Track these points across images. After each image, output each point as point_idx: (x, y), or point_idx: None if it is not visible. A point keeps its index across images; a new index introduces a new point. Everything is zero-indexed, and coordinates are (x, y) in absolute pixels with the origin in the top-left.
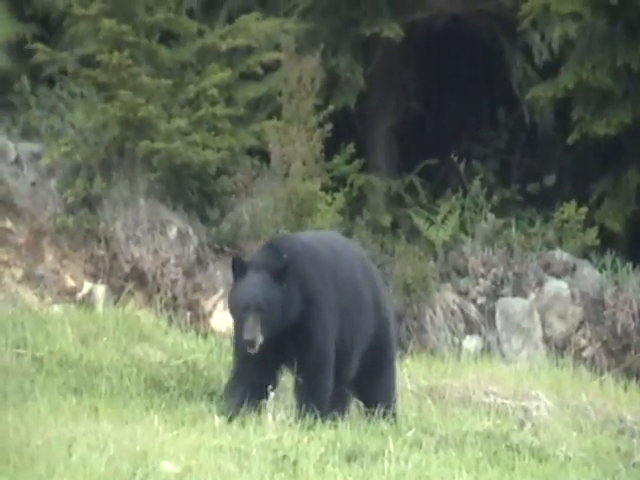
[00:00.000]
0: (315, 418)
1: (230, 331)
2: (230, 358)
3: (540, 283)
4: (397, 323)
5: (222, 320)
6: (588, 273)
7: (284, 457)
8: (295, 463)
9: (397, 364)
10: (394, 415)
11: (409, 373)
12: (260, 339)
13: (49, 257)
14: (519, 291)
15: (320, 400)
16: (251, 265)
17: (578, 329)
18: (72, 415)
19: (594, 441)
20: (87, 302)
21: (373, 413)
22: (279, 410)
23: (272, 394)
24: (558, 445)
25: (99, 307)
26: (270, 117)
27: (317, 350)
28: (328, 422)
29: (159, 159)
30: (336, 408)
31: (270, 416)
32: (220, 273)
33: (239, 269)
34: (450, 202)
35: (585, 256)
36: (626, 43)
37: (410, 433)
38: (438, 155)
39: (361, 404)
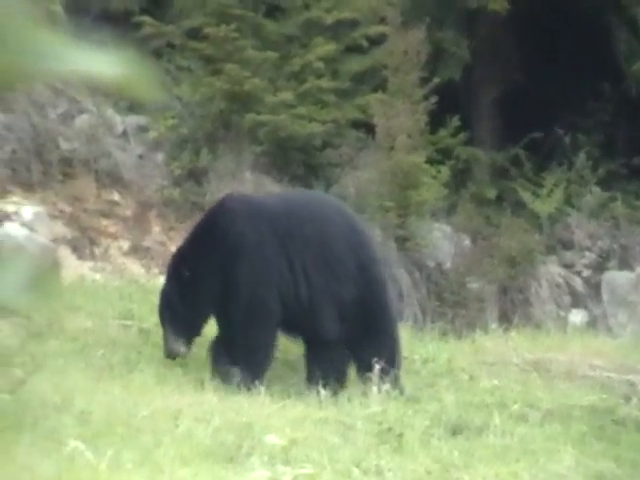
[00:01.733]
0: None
1: None
2: None
3: None
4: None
5: None
6: None
7: (389, 430)
8: (400, 436)
9: (397, 327)
10: (395, 379)
11: (514, 346)
12: (182, 349)
13: (156, 229)
14: (625, 264)
15: (250, 358)
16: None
17: None
18: (178, 387)
19: None
20: None
21: (369, 377)
22: (384, 382)
23: (377, 366)
24: None
25: None
26: (375, 90)
27: (243, 303)
28: (429, 394)
29: (265, 132)
30: (333, 371)
31: (375, 388)
32: None
33: None
34: (555, 175)
35: None
36: None
37: (515, 407)
38: (543, 128)
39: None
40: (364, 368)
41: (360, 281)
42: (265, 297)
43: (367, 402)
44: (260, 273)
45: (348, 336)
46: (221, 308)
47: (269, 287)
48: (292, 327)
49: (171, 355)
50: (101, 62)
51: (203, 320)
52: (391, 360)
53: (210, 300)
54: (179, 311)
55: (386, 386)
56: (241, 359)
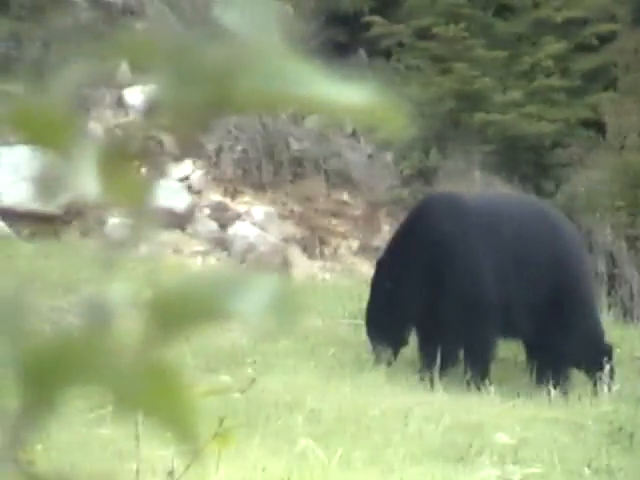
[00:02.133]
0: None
1: None
2: None
3: None
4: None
5: None
6: None
7: (620, 429)
8: (631, 435)
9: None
10: (555, 386)
11: None
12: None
13: (385, 229)
14: None
15: (477, 357)
16: None
17: None
18: (408, 386)
19: None
20: None
21: (599, 376)
22: (614, 382)
23: (608, 366)
24: None
25: None
26: (605, 89)
27: (463, 304)
28: None
29: (494, 131)
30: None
31: (606, 388)
32: None
33: None
34: None
35: None
36: None
37: None
38: None
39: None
40: (554, 366)
41: (554, 279)
42: (484, 294)
43: (597, 402)
44: (474, 271)
45: (540, 335)
46: (427, 313)
47: (486, 284)
48: None
49: (379, 364)
50: (350, 92)
51: (410, 329)
52: (588, 358)
53: (416, 307)
54: (385, 325)
55: (616, 386)
56: (467, 359)
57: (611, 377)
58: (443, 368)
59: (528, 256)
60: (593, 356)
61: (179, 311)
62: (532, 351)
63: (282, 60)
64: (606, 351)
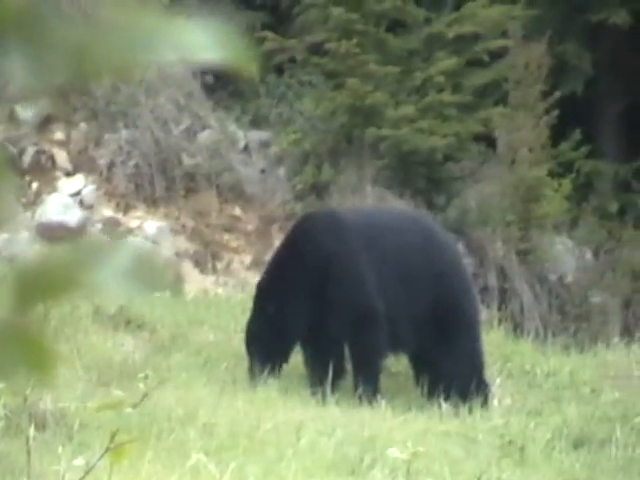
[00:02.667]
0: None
1: None
2: None
3: None
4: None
5: None
6: None
7: (511, 443)
8: (522, 449)
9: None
10: (462, 396)
11: (636, 359)
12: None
13: (278, 243)
14: None
15: (366, 368)
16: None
17: None
18: (301, 400)
19: None
20: None
21: (437, 394)
22: (505, 396)
23: (498, 380)
24: None
25: None
26: (497, 104)
27: (350, 317)
28: (552, 408)
29: (386, 146)
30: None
31: (496, 401)
32: None
33: None
34: None
35: None
36: None
37: (638, 420)
38: None
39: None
40: (435, 380)
41: (435, 291)
42: (371, 306)
43: (489, 415)
44: (359, 284)
45: (421, 347)
46: (312, 332)
47: (372, 296)
48: None
49: (254, 384)
50: (205, 44)
51: (292, 348)
52: (464, 371)
53: (300, 327)
54: (267, 344)
55: (506, 399)
56: (357, 373)
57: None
58: (332, 382)
59: (409, 270)
60: (468, 374)
61: (40, 281)
62: (416, 365)
63: (143, 24)
64: (481, 371)
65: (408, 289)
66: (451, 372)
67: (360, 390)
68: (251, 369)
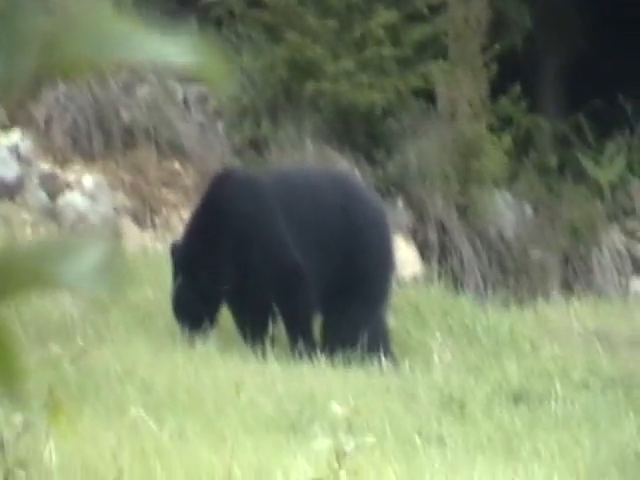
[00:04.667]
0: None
1: None
2: None
3: None
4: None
5: None
6: None
7: (450, 398)
8: (462, 404)
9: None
10: (331, 351)
11: (576, 314)
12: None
13: None
14: None
15: (298, 322)
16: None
17: None
18: (241, 356)
19: None
20: None
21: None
22: (445, 351)
23: (438, 335)
24: None
25: None
26: (436, 58)
27: (276, 275)
28: (492, 363)
29: (325, 100)
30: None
31: (436, 357)
32: (387, 214)
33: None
34: (617, 142)
35: None
36: None
37: (577, 374)
38: (605, 95)
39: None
40: (332, 335)
41: (348, 251)
42: (294, 261)
43: (429, 371)
44: (279, 241)
45: (326, 302)
46: (239, 293)
47: (293, 252)
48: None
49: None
50: (174, 49)
51: (219, 309)
52: (355, 334)
53: (226, 288)
54: (194, 308)
55: (446, 355)
56: (289, 327)
57: (391, 359)
58: (260, 338)
59: (325, 229)
60: (374, 332)
61: (6, 277)
62: (326, 320)
63: (111, 25)
64: (385, 333)
65: (323, 248)
66: (342, 333)
67: (297, 346)
68: (184, 330)
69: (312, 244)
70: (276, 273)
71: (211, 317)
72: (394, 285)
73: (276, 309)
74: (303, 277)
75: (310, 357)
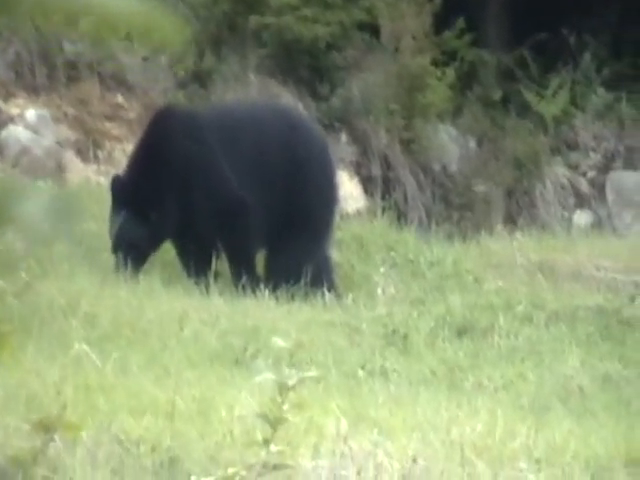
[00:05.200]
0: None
1: None
2: None
3: None
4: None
5: None
6: None
7: (394, 331)
8: (405, 337)
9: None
10: (276, 286)
11: (519, 248)
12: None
13: None
14: (630, 165)
15: (243, 255)
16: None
17: None
18: (184, 290)
19: None
20: None
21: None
22: (389, 285)
23: (382, 269)
24: None
25: None
26: None
27: (221, 209)
28: (435, 297)
29: (269, 34)
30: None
31: (380, 290)
32: (330, 148)
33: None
34: (560, 76)
35: None
36: None
37: (521, 308)
38: (549, 28)
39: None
40: (276, 270)
41: (291, 184)
42: (237, 196)
43: (372, 304)
44: (223, 177)
45: (270, 237)
46: (182, 229)
47: (235, 188)
48: None
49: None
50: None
51: (161, 245)
52: (297, 268)
53: (170, 225)
54: (136, 242)
55: (390, 288)
56: (234, 262)
57: (334, 291)
58: (204, 274)
59: (267, 163)
60: (318, 267)
61: None
62: (270, 254)
63: None
64: (329, 267)
65: (266, 183)
66: (286, 268)
67: (241, 280)
68: (117, 264)
69: (255, 179)
70: (219, 209)
71: (152, 252)
72: (338, 219)
73: (219, 244)
74: (246, 212)
75: (254, 292)
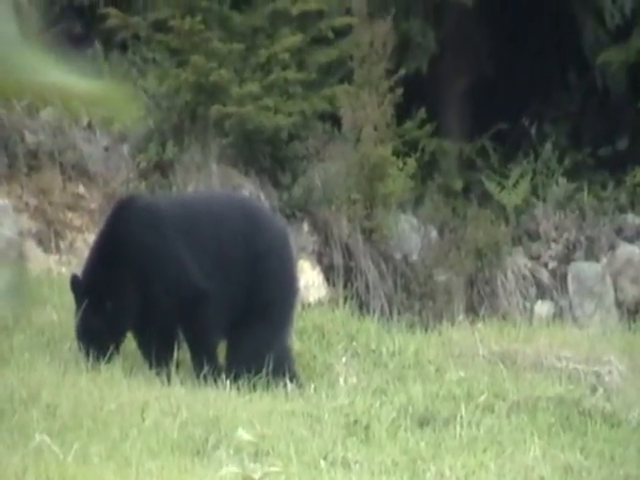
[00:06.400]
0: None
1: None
2: None
3: (612, 247)
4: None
5: None
6: None
7: (356, 422)
8: (367, 428)
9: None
10: (237, 376)
11: (481, 338)
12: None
13: None
14: (591, 255)
15: (204, 347)
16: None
17: None
18: (145, 379)
19: None
20: None
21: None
22: (350, 375)
23: (343, 359)
24: (631, 410)
25: None
26: (342, 82)
27: (181, 298)
28: (397, 387)
29: (231, 124)
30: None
31: (342, 380)
32: (291, 238)
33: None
34: (522, 166)
35: None
36: None
37: (482, 398)
38: (510, 118)
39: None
40: (237, 360)
41: (251, 276)
42: (197, 285)
43: (334, 394)
44: (182, 268)
45: (231, 327)
46: (143, 320)
47: (196, 276)
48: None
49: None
50: (86, 82)
51: (124, 338)
52: (255, 359)
53: (130, 317)
54: (99, 338)
55: (351, 378)
56: (195, 352)
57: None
58: (165, 364)
59: (227, 255)
60: (278, 357)
61: None
62: (231, 344)
63: (17, 50)
64: (289, 357)
65: (226, 274)
66: (247, 358)
67: (203, 370)
68: (87, 355)
69: (215, 270)
70: (179, 299)
71: (116, 346)
72: (300, 309)
73: (181, 335)
74: (206, 302)
75: (215, 382)
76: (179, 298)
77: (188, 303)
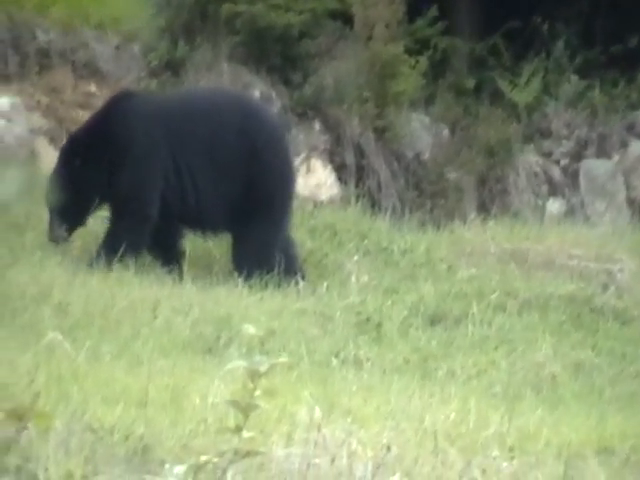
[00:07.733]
0: None
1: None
2: None
3: (624, 144)
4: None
5: (304, 184)
6: None
7: (367, 320)
8: (378, 326)
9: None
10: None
11: (492, 236)
12: (64, 236)
13: None
14: (603, 153)
15: (111, 253)
16: None
17: None
18: (156, 278)
19: None
20: None
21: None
22: (362, 273)
23: (355, 257)
24: None
25: None
26: None
27: (123, 204)
28: (408, 285)
29: (242, 22)
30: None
31: (353, 278)
32: (303, 136)
33: None
34: (533, 64)
35: None
36: None
37: (493, 296)
38: (521, 17)
39: None
40: (244, 257)
41: (249, 171)
42: (144, 202)
43: (346, 292)
44: (144, 178)
45: (234, 223)
46: (105, 202)
47: (151, 193)
48: (183, 224)
49: (54, 241)
50: None
51: (89, 210)
52: (256, 256)
53: (97, 192)
54: (67, 197)
55: (363, 276)
56: (104, 244)
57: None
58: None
59: (222, 151)
60: (260, 260)
61: None
62: (235, 241)
63: None
64: (292, 246)
65: (221, 170)
66: (244, 254)
67: (94, 260)
68: (50, 221)
69: (211, 167)
70: (124, 201)
71: (80, 215)
72: (312, 207)
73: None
74: (146, 219)
75: (91, 266)
76: (124, 199)
77: (127, 211)
